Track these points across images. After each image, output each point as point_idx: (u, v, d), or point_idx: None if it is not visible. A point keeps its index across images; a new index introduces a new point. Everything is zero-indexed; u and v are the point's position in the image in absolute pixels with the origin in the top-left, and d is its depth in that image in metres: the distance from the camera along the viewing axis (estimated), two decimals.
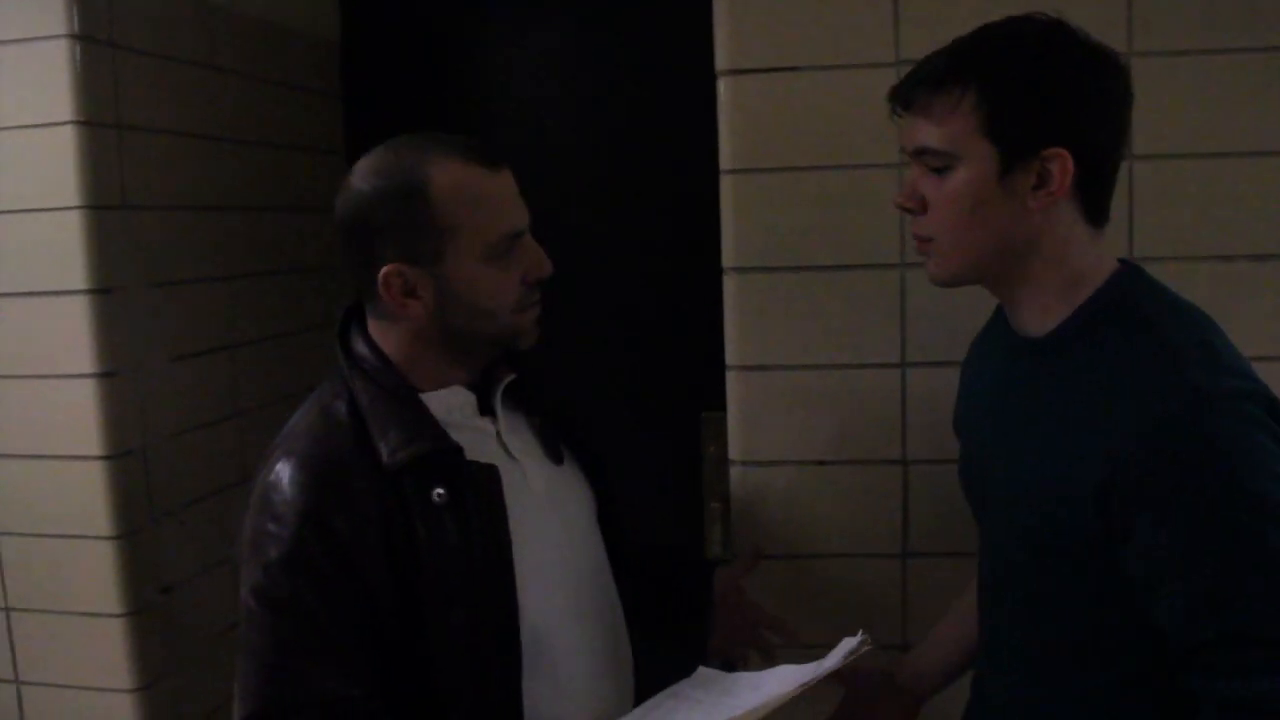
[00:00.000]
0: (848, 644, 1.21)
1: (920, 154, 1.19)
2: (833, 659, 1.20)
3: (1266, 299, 1.55)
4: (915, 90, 1.18)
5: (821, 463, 1.65)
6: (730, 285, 1.65)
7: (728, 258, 1.64)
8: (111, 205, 1.67)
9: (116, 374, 1.67)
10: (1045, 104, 1.13)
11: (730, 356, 1.66)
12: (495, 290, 1.26)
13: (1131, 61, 1.53)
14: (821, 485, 1.65)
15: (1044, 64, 1.13)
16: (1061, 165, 1.12)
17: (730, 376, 1.66)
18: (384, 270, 1.24)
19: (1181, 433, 1.05)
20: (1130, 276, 1.20)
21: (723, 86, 1.62)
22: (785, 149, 1.61)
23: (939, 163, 1.17)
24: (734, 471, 1.68)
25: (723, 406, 1.69)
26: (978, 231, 1.17)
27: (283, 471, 1.21)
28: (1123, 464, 1.07)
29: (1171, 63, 1.55)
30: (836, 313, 1.62)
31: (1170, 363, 1.09)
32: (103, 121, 1.65)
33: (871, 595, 1.67)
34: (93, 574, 1.68)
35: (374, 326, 1.31)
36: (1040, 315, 1.21)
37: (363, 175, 1.26)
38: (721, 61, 1.62)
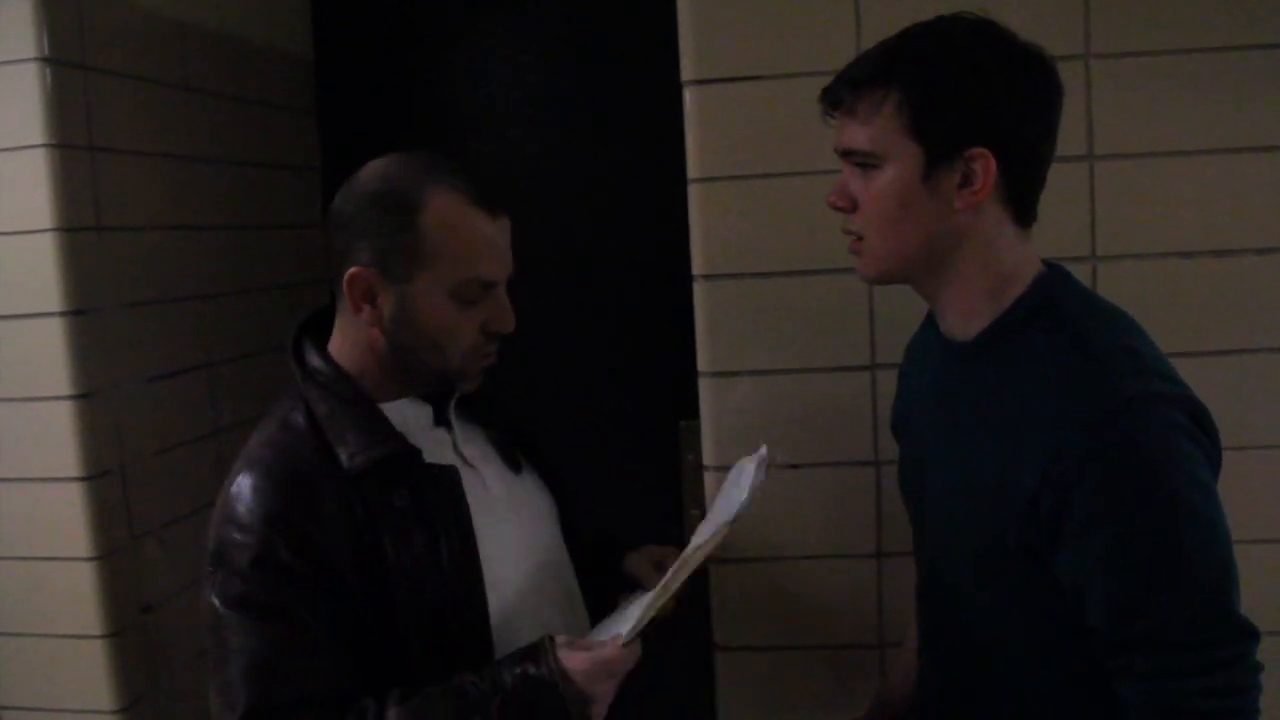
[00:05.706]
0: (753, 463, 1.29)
1: (848, 154, 1.20)
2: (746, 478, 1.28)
3: (1227, 295, 1.58)
4: (842, 91, 1.19)
5: (795, 466, 1.66)
6: (700, 292, 1.66)
7: (697, 265, 1.65)
8: (86, 226, 1.68)
9: (93, 395, 1.67)
10: (967, 104, 1.14)
11: (702, 363, 1.67)
12: (452, 327, 1.27)
13: (1090, 62, 1.57)
14: (795, 488, 1.66)
15: (967, 63, 1.14)
16: (984, 165, 1.13)
17: (703, 383, 1.67)
18: (352, 269, 1.25)
19: (1108, 438, 1.06)
20: (1054, 279, 1.21)
21: (689, 96, 1.64)
22: (752, 157, 1.62)
23: (865, 162, 1.18)
24: (708, 476, 1.69)
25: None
26: (904, 229, 1.18)
27: (245, 482, 1.23)
28: (1052, 470, 1.08)
29: (1129, 63, 1.57)
30: (806, 317, 1.64)
31: (1098, 370, 1.10)
32: (75, 144, 1.66)
33: (847, 595, 1.68)
34: (72, 595, 1.68)
35: (335, 334, 1.32)
36: (966, 318, 1.22)
37: (369, 175, 1.29)
38: (687, 72, 1.64)
